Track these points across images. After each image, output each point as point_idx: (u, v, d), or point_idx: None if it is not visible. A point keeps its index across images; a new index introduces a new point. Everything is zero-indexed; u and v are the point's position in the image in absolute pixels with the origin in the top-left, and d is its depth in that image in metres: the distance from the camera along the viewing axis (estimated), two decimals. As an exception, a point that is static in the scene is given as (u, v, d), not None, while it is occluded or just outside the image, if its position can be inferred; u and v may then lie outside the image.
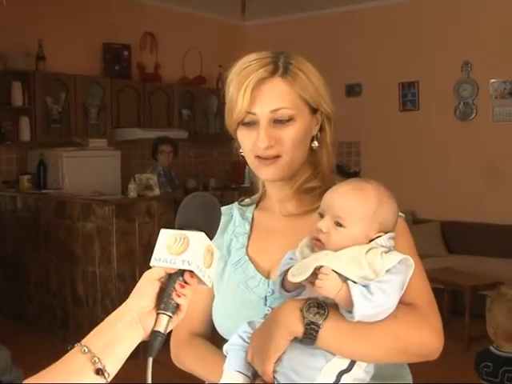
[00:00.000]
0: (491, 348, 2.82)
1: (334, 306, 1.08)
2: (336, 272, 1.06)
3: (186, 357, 1.33)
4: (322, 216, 1.15)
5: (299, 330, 1.07)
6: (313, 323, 1.06)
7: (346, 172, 5.65)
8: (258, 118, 1.20)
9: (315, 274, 1.07)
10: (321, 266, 1.07)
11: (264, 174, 1.25)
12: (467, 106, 6.36)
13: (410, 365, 1.29)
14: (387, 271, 1.06)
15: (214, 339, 1.35)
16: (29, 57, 5.66)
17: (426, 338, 1.09)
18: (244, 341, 1.16)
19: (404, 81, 6.71)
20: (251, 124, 1.21)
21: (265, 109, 1.19)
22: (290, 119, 1.20)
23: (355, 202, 1.13)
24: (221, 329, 1.30)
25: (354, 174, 5.98)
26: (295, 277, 1.10)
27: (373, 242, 1.12)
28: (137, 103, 6.53)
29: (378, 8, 6.83)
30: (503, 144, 6.09)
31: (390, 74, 6.75)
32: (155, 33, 6.85)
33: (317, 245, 1.13)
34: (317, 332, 1.05)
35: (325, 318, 1.06)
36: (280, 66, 1.20)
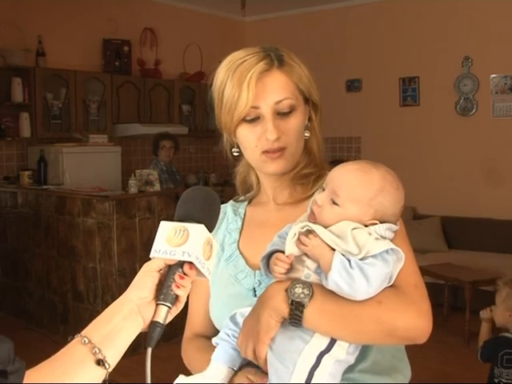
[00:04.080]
0: (507, 334, 2.81)
1: (319, 286, 1.07)
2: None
3: (186, 353, 1.37)
4: (323, 189, 1.14)
5: (285, 310, 1.06)
6: (297, 303, 1.05)
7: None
8: (261, 111, 1.20)
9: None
10: (311, 231, 1.08)
11: (272, 168, 1.24)
12: (468, 102, 6.35)
13: (409, 360, 1.28)
14: (373, 256, 1.04)
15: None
16: (29, 53, 5.66)
17: (412, 321, 1.06)
18: (229, 337, 1.16)
19: (404, 76, 6.71)
20: (254, 119, 1.21)
21: (269, 101, 1.19)
22: (292, 110, 1.21)
23: (355, 184, 1.11)
24: (216, 322, 1.31)
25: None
26: (287, 244, 1.10)
27: (366, 228, 1.09)
28: (137, 99, 6.53)
29: (377, 3, 6.82)
30: (504, 139, 6.09)
31: (391, 70, 6.74)
32: (155, 28, 6.84)
33: (311, 217, 1.13)
34: (302, 312, 1.05)
35: (310, 298, 1.05)
36: (274, 59, 1.21)
